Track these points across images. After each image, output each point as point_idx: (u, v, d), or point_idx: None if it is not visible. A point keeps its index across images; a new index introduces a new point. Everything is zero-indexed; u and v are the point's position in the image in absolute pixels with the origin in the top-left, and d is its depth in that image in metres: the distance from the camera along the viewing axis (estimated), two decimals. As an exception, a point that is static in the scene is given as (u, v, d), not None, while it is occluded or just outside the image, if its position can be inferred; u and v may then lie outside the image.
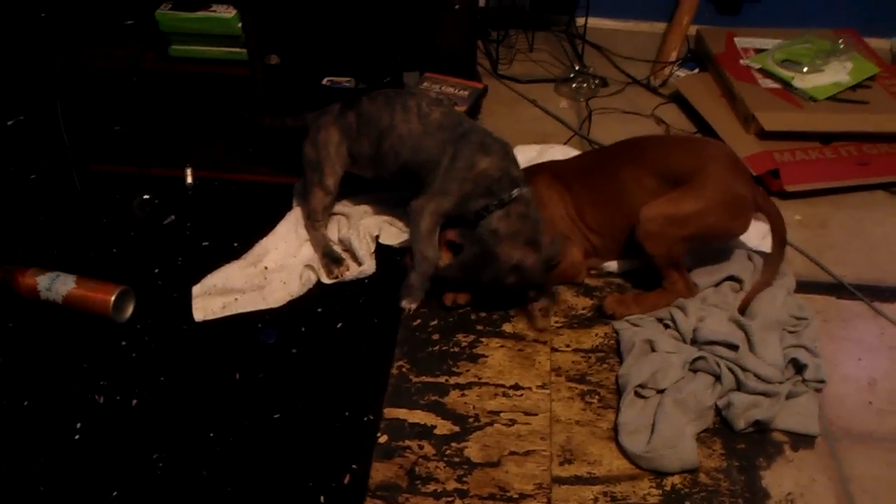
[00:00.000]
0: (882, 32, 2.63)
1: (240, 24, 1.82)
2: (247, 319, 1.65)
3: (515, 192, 1.59)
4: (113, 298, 1.60)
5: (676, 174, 1.59)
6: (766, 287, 1.63)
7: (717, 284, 1.70)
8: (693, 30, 2.59)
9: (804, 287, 1.74)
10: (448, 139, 1.63)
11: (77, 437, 1.42)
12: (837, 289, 1.78)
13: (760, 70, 2.28)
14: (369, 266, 1.77)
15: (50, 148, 1.97)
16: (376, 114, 1.69)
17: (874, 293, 1.77)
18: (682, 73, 2.50)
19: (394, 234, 1.85)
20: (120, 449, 1.40)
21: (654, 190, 1.60)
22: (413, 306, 1.66)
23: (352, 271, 1.76)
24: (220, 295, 1.68)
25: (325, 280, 1.75)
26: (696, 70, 2.51)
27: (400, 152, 1.67)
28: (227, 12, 1.82)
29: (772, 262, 1.64)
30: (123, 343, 1.60)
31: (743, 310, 1.62)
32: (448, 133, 1.64)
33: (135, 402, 1.48)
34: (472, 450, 1.42)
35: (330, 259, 1.76)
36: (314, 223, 1.80)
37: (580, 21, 2.60)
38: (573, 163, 1.81)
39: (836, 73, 2.24)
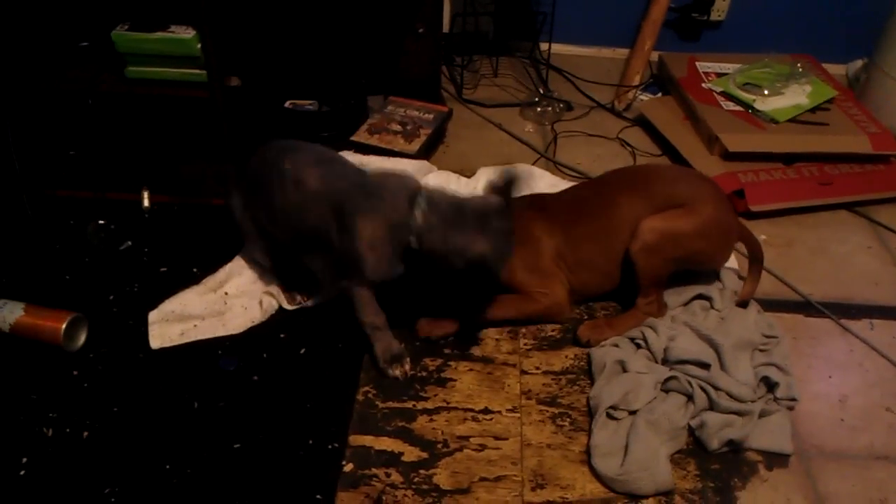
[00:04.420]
0: (836, 58, 2.69)
1: (199, 45, 1.78)
2: (206, 346, 1.59)
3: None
4: (64, 326, 1.53)
5: (674, 204, 1.59)
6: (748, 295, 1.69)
7: (687, 303, 1.69)
8: (655, 55, 2.62)
9: (772, 305, 1.74)
10: (328, 211, 1.47)
11: (23, 472, 1.34)
12: (805, 307, 1.78)
13: (722, 93, 2.31)
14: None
15: (0, 173, 1.90)
16: (258, 182, 1.57)
17: (841, 310, 1.77)
18: (645, 97, 2.52)
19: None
20: (69, 484, 1.33)
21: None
22: (407, 368, 1.55)
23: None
24: (178, 321, 1.62)
25: (287, 306, 1.70)
26: (659, 94, 2.54)
27: (286, 225, 1.56)
28: (186, 33, 1.79)
29: (751, 280, 1.69)
30: (75, 373, 1.52)
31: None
32: (328, 201, 1.47)
33: (86, 434, 1.41)
34: (442, 477, 1.37)
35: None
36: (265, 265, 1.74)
37: (544, 47, 2.62)
38: (560, 196, 1.73)
39: (796, 96, 2.28)
